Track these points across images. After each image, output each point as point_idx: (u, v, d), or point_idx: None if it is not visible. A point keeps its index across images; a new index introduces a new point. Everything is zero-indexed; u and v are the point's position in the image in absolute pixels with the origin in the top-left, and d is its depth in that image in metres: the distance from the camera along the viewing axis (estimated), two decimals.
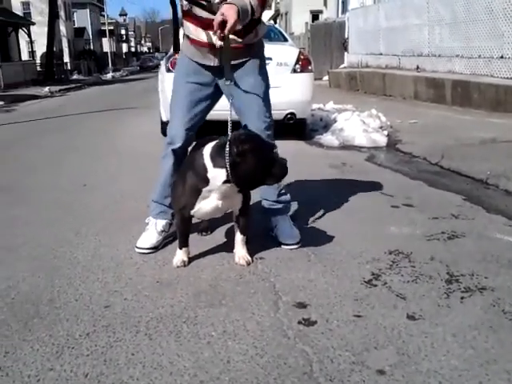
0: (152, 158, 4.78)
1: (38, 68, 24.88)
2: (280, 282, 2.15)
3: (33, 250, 2.55)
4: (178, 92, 2.47)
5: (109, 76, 30.85)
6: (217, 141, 2.08)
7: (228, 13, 2.04)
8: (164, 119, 6.26)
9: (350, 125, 6.03)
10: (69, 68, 30.63)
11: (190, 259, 2.37)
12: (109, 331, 1.78)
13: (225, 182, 2.03)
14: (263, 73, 2.44)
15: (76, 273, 2.28)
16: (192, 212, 2.17)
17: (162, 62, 6.50)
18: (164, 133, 7.04)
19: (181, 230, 2.31)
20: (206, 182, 2.05)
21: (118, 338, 1.73)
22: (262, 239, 2.63)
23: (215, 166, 2.01)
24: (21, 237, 2.76)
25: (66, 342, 1.72)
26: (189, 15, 2.33)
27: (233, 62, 2.27)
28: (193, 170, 2.11)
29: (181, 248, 2.33)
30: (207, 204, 2.13)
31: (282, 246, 2.54)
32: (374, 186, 3.67)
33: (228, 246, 2.47)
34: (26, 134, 7.12)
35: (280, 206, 2.64)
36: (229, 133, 2.08)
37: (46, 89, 18.17)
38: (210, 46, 2.29)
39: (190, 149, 2.38)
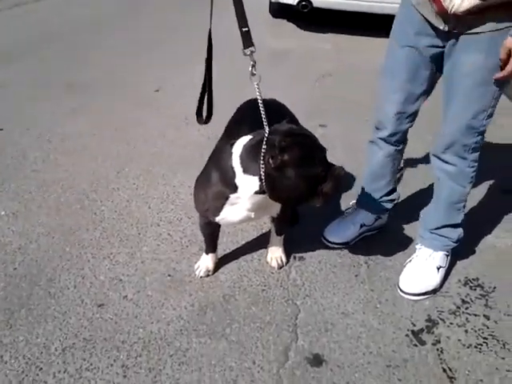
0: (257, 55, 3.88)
1: None
2: (306, 311, 1.76)
3: (62, 193, 2.36)
4: (393, 57, 1.78)
5: None
6: (250, 137, 1.49)
7: None
8: None
9: None
10: None
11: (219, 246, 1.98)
12: (86, 351, 1.57)
13: (257, 192, 1.49)
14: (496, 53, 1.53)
15: (92, 238, 2.07)
16: (217, 219, 1.68)
17: None
18: (272, 13, 6.32)
19: (205, 234, 1.87)
20: (234, 188, 1.52)
21: (91, 367, 1.52)
22: (317, 226, 2.17)
23: (245, 171, 1.46)
24: (61, 167, 2.58)
25: (39, 356, 1.54)
26: None
27: (467, 32, 1.54)
28: (219, 171, 1.57)
29: (207, 253, 1.92)
30: (235, 213, 1.62)
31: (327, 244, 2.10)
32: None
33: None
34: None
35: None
36: (264, 123, 1.46)
37: None
38: (441, 8, 1.53)
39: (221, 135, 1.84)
